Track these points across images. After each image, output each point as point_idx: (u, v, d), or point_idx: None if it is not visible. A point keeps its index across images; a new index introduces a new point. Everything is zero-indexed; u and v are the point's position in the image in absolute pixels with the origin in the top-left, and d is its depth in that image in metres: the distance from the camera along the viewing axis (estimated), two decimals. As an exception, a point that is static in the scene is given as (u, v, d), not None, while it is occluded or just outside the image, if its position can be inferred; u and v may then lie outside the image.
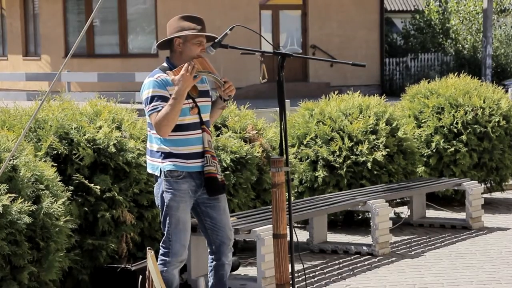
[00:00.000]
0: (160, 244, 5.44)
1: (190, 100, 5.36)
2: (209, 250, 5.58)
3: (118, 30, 23.55)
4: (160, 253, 5.41)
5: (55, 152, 6.48)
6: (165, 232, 5.39)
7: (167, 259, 5.38)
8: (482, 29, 26.80)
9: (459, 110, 10.38)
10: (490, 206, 10.58)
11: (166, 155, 5.33)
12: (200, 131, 5.38)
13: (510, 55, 27.91)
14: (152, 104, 5.26)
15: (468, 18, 28.30)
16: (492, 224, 9.52)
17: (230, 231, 5.55)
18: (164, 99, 5.25)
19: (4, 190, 5.52)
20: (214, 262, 5.55)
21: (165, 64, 5.45)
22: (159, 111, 5.22)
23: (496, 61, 27.27)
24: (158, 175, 5.37)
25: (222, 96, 5.48)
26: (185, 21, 5.39)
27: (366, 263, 7.83)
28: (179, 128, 5.31)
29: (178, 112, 5.23)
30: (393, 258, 7.94)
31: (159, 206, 5.42)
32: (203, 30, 5.40)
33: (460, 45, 28.05)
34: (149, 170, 5.48)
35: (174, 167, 5.32)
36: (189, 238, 5.45)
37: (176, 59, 5.41)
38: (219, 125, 8.04)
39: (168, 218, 5.36)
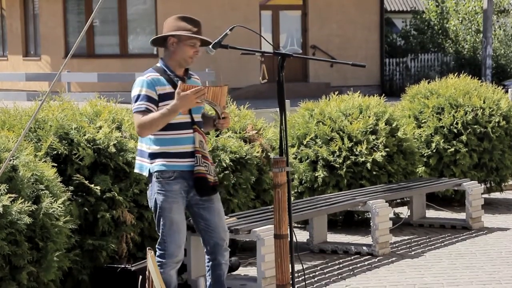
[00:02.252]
0: (156, 246, 5.44)
1: None
2: (205, 250, 5.59)
3: (118, 31, 23.55)
4: (156, 255, 5.41)
5: (55, 152, 6.48)
6: (160, 234, 5.40)
7: (163, 260, 5.39)
8: (481, 29, 26.80)
9: (459, 111, 10.39)
10: (490, 206, 10.58)
11: (155, 155, 5.33)
12: (191, 130, 5.38)
13: (510, 55, 27.90)
14: (137, 103, 5.28)
15: (467, 18, 28.30)
16: (492, 224, 9.52)
17: (224, 232, 5.55)
18: (150, 99, 5.26)
19: (4, 190, 5.52)
20: (211, 262, 5.56)
21: (158, 64, 5.45)
22: (143, 111, 5.23)
23: (496, 61, 27.27)
24: (147, 175, 5.37)
25: (216, 124, 5.49)
26: (182, 21, 5.39)
27: (366, 263, 7.83)
28: (170, 127, 5.30)
29: (164, 124, 5.23)
30: (393, 258, 7.95)
31: (152, 208, 5.43)
32: (199, 33, 5.39)
33: (460, 46, 28.05)
34: (136, 170, 5.48)
35: (163, 167, 5.31)
36: (184, 238, 5.45)
37: (169, 58, 5.41)
38: (219, 125, 8.03)
39: (161, 219, 5.36)
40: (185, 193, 5.38)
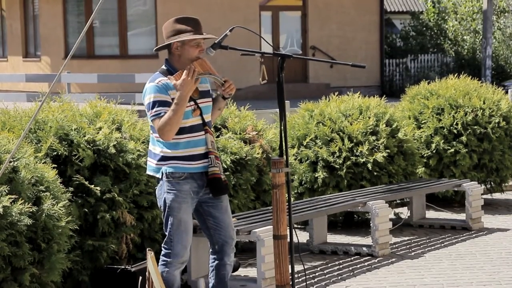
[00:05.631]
0: (162, 245, 5.44)
1: (192, 102, 5.36)
2: (211, 250, 5.58)
3: (118, 31, 23.56)
4: (161, 254, 5.42)
5: (55, 153, 6.48)
6: (167, 233, 5.40)
7: (168, 259, 5.39)
8: (478, 29, 26.81)
9: (459, 111, 10.39)
10: (490, 207, 10.58)
11: (168, 158, 5.34)
12: (203, 132, 5.39)
13: (509, 56, 27.90)
14: (154, 109, 5.27)
15: (465, 19, 28.30)
16: (492, 225, 9.52)
17: (233, 230, 5.56)
18: (166, 104, 5.26)
19: (4, 191, 5.52)
20: (216, 262, 5.55)
21: (164, 67, 5.44)
22: (162, 116, 5.23)
23: (496, 62, 27.28)
24: (160, 177, 5.37)
25: (223, 94, 5.50)
26: (181, 23, 5.38)
27: (366, 264, 7.83)
28: (182, 131, 5.31)
29: (181, 117, 5.24)
30: (393, 259, 7.95)
31: (161, 208, 5.43)
32: (199, 31, 5.39)
33: (459, 46, 28.05)
34: (150, 172, 5.48)
35: (174, 169, 5.32)
36: (191, 239, 5.45)
37: (175, 61, 5.42)
38: (219, 126, 8.04)
39: (170, 219, 5.36)
40: (195, 194, 5.39)
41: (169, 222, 5.37)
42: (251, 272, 7.40)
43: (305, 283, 6.67)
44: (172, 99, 5.26)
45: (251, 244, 8.01)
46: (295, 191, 9.20)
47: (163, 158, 5.35)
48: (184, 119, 5.29)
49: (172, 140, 5.30)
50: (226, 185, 5.48)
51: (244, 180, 7.76)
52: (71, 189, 6.35)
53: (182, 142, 5.33)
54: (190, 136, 5.35)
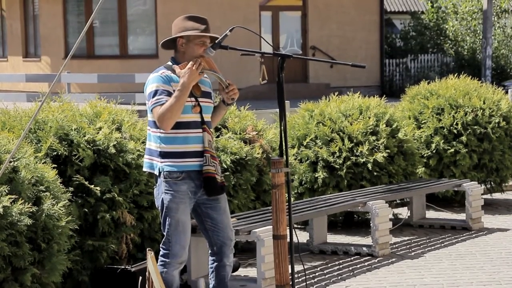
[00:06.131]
0: (160, 245, 5.44)
1: (193, 99, 5.37)
2: (210, 251, 5.58)
3: (118, 31, 23.56)
4: (160, 254, 5.42)
5: (55, 153, 6.48)
6: (165, 234, 5.40)
7: (167, 260, 5.39)
8: (480, 29, 26.79)
9: (459, 111, 10.39)
10: (490, 207, 10.58)
11: (165, 155, 5.33)
12: (200, 130, 5.39)
13: (509, 56, 27.89)
14: (156, 97, 5.27)
15: (465, 19, 28.31)
16: (492, 225, 9.52)
17: (231, 231, 5.55)
18: (168, 93, 5.26)
19: (4, 191, 5.52)
20: (215, 263, 5.55)
21: (169, 63, 5.46)
22: (162, 104, 5.23)
23: (496, 62, 27.28)
24: (157, 174, 5.37)
25: (225, 99, 5.50)
26: (189, 21, 5.40)
27: (366, 264, 7.83)
28: (180, 125, 5.31)
29: (182, 105, 5.23)
30: (393, 259, 7.95)
31: (159, 208, 5.42)
32: (207, 30, 5.40)
33: (459, 46, 28.05)
34: (146, 169, 5.46)
35: (172, 168, 5.31)
36: (189, 239, 5.44)
37: (180, 58, 5.43)
38: (219, 126, 8.04)
39: (167, 219, 5.36)
40: (192, 194, 5.38)
41: (167, 223, 5.37)
42: (251, 272, 7.40)
43: (305, 283, 6.67)
44: (174, 90, 5.26)
45: (251, 244, 8.01)
46: (295, 191, 9.21)
47: (160, 154, 5.34)
48: (183, 114, 5.29)
49: (169, 134, 5.29)
50: (223, 186, 5.46)
51: (244, 180, 7.76)
52: (71, 189, 6.35)
53: (179, 137, 5.33)
54: (187, 132, 5.34)
